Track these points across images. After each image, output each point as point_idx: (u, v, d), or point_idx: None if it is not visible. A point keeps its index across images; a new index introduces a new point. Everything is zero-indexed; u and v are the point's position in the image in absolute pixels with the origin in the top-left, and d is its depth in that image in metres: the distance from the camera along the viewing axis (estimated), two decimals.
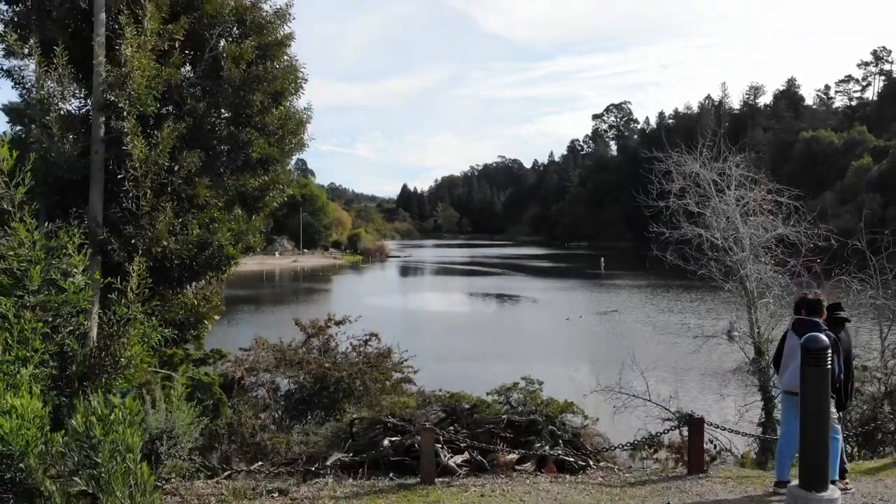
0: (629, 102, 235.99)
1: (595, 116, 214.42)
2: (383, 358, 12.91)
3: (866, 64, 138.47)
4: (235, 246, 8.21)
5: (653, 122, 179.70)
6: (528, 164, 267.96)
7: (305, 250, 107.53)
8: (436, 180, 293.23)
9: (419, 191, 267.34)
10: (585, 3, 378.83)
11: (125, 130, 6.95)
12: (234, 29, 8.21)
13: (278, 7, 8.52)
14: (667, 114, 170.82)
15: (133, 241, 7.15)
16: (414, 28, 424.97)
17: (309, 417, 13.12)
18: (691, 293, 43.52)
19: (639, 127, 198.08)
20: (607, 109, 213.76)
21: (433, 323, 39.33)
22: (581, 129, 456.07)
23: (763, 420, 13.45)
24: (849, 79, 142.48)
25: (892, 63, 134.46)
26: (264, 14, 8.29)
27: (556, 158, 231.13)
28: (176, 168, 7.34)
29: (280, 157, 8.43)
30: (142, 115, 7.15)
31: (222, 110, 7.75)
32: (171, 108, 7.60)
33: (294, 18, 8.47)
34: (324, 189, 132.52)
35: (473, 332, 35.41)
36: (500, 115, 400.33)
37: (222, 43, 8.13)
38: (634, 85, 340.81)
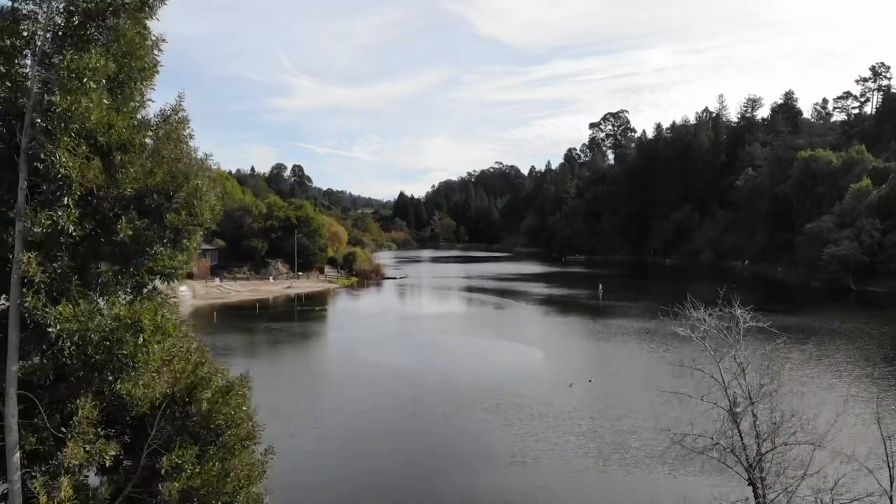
0: (626, 111, 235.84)
1: (592, 125, 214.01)
2: None
3: (864, 80, 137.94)
4: None
5: (650, 133, 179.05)
6: (524, 168, 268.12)
7: (300, 273, 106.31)
8: (433, 186, 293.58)
9: (416, 196, 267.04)
10: (581, 7, 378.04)
11: None
12: None
13: None
14: (664, 125, 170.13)
15: None
16: (411, 31, 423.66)
17: None
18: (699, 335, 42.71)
19: (636, 136, 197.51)
20: (604, 118, 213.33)
21: (431, 391, 38.35)
22: (577, 132, 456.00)
23: None
24: (847, 95, 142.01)
25: (890, 79, 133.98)
26: None
27: (554, 166, 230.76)
28: None
29: None
30: None
31: None
32: None
33: None
34: (320, 211, 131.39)
35: (472, 405, 34.56)
36: (497, 118, 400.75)
37: None
38: (630, 88, 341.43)
